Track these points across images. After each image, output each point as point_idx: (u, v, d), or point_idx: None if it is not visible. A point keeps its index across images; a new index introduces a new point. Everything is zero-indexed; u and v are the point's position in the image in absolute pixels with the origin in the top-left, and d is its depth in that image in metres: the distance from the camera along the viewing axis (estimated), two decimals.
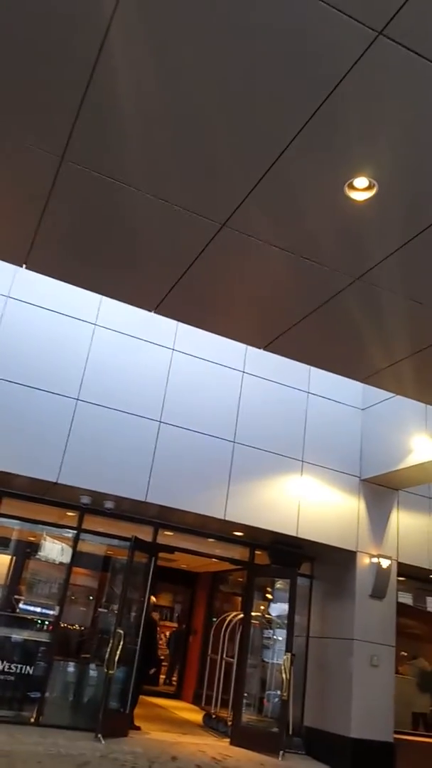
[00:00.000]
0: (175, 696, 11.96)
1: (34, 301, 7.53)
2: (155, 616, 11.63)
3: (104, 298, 7.32)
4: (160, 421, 7.77)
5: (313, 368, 8.02)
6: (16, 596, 8.56)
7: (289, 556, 8.58)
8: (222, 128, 3.24)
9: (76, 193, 3.88)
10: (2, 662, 7.27)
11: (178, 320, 5.68)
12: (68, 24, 2.78)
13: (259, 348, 5.70)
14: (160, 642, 13.39)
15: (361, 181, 3.41)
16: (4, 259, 4.92)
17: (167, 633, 13.66)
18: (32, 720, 7.18)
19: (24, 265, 4.76)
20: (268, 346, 5.56)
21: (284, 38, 2.71)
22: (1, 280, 7.41)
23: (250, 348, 7.56)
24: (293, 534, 8.04)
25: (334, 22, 2.59)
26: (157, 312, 5.25)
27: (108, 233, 4.26)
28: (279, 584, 8.93)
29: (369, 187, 3.44)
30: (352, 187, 3.45)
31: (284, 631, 8.38)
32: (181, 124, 3.24)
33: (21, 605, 8.34)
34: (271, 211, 3.81)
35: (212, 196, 3.74)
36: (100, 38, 2.82)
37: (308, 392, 8.78)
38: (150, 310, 5.26)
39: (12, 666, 7.30)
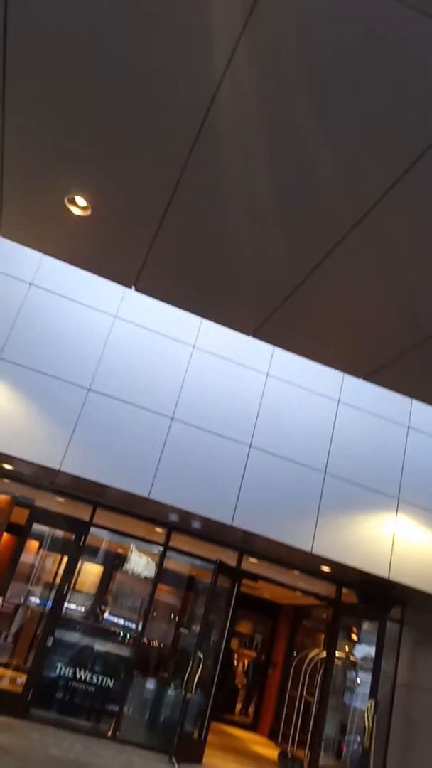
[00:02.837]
0: (251, 728, 11.68)
1: (138, 321, 7.81)
2: (233, 644, 11.45)
3: (204, 320, 7.45)
4: (251, 446, 7.73)
5: (415, 401, 7.69)
6: (102, 606, 8.76)
7: (379, 597, 8.17)
8: (332, 165, 3.20)
9: (185, 221, 3.99)
10: (85, 672, 7.42)
11: (277, 345, 5.64)
12: (182, 76, 2.88)
13: (360, 378, 5.53)
14: (238, 670, 13.19)
15: None
16: (116, 281, 5.14)
17: (246, 661, 13.42)
18: (109, 734, 7.26)
19: (134, 287, 4.95)
20: (368, 377, 5.38)
21: (394, 89, 2.64)
22: (111, 301, 7.76)
23: (347, 376, 7.38)
24: (384, 575, 7.66)
25: None
26: (256, 336, 5.25)
27: (212, 259, 4.33)
28: (366, 626, 8.52)
29: None
30: None
31: (368, 676, 7.96)
32: (288, 165, 3.24)
33: (106, 616, 8.51)
34: (376, 242, 3.70)
35: (316, 229, 3.69)
36: (211, 92, 2.90)
37: (408, 426, 8.41)
38: (248, 334, 5.27)
39: (93, 677, 7.43)
